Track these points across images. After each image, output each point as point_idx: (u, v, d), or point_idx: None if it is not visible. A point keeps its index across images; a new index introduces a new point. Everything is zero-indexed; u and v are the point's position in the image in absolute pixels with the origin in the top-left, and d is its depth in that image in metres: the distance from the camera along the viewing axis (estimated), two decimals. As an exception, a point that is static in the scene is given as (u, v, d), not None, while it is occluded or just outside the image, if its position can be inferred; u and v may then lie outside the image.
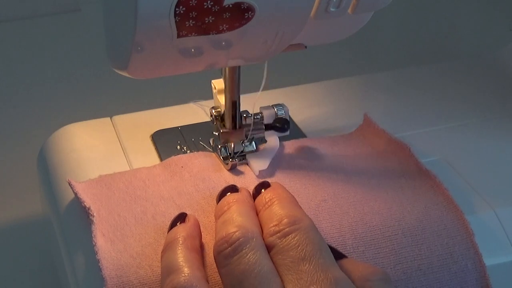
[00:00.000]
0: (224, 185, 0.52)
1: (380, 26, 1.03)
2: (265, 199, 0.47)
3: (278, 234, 0.44)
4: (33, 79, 0.93)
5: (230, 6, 0.43)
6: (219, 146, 0.55)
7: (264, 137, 0.56)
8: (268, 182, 0.49)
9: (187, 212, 0.49)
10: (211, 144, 0.58)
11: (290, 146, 0.57)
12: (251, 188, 0.52)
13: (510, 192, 0.55)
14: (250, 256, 0.42)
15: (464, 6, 1.07)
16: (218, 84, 0.55)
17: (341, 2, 0.47)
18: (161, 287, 0.44)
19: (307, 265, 0.42)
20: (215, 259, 0.44)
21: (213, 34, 0.44)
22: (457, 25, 1.04)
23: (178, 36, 0.44)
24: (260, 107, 0.56)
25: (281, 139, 0.56)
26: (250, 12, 0.44)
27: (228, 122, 0.54)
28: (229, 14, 0.43)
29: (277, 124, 0.55)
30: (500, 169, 0.57)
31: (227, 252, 0.43)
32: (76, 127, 0.62)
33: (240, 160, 0.54)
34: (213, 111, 0.55)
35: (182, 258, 0.44)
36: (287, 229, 0.44)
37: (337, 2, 0.47)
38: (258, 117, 0.56)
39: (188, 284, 0.42)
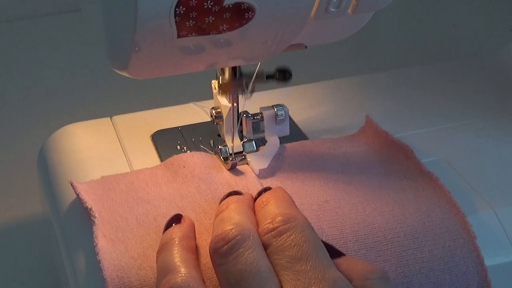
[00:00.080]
0: (225, 186, 0.52)
1: (380, 26, 1.03)
2: (262, 200, 0.47)
3: (273, 232, 0.43)
4: (33, 79, 0.93)
5: (230, 6, 0.43)
6: (219, 147, 0.55)
7: (264, 137, 0.56)
8: (270, 187, 0.49)
9: (189, 214, 0.49)
10: (211, 145, 0.58)
11: (291, 147, 0.57)
12: (252, 188, 0.52)
13: (510, 192, 0.54)
14: (247, 255, 0.42)
15: (464, 6, 1.07)
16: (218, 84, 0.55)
17: (341, 2, 0.47)
18: (157, 287, 0.43)
19: (304, 265, 0.41)
20: (211, 257, 0.43)
21: (213, 34, 0.44)
22: (457, 25, 1.04)
23: (178, 36, 0.44)
24: (260, 108, 0.56)
25: (282, 140, 0.56)
26: (250, 12, 0.44)
27: (227, 72, 0.54)
28: (229, 14, 0.43)
29: (278, 76, 0.54)
30: (500, 169, 0.57)
31: (224, 250, 0.42)
32: (76, 127, 0.62)
33: (240, 160, 0.54)
34: (213, 111, 0.55)
35: (178, 258, 0.44)
36: (281, 227, 0.43)
37: (337, 2, 0.47)
38: (258, 117, 0.56)
39: (185, 284, 0.42)
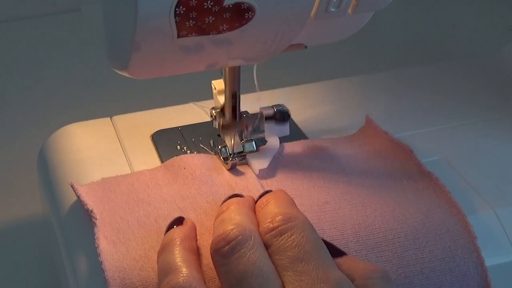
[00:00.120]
0: (226, 187, 0.52)
1: (380, 26, 1.03)
2: (263, 200, 0.47)
3: (273, 232, 0.43)
4: (33, 79, 0.93)
5: (230, 6, 0.43)
6: (219, 147, 0.55)
7: (264, 137, 0.56)
8: (271, 190, 0.49)
9: (190, 216, 0.49)
10: (211, 145, 0.58)
11: (291, 147, 0.57)
12: (252, 188, 0.52)
13: (510, 192, 0.54)
14: (249, 256, 0.42)
15: (464, 6, 1.07)
16: (218, 84, 0.55)
17: (341, 2, 0.47)
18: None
19: (306, 266, 0.41)
20: (212, 257, 0.43)
21: (213, 34, 0.44)
22: (457, 25, 1.04)
23: (178, 36, 0.44)
24: (260, 108, 0.56)
25: (282, 139, 0.56)
26: (250, 12, 0.44)
27: (228, 113, 0.54)
28: (229, 14, 0.43)
29: (277, 117, 0.55)
30: (500, 169, 0.57)
31: (225, 251, 0.42)
32: (76, 127, 0.62)
33: (240, 160, 0.54)
34: (213, 111, 0.55)
35: (180, 258, 0.44)
36: (282, 227, 0.43)
37: (337, 2, 0.47)
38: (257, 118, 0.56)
39: (187, 284, 0.41)
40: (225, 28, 0.44)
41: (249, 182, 0.52)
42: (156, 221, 0.49)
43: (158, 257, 0.45)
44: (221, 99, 0.55)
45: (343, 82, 0.70)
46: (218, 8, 0.43)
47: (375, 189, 0.53)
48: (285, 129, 0.57)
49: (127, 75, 0.48)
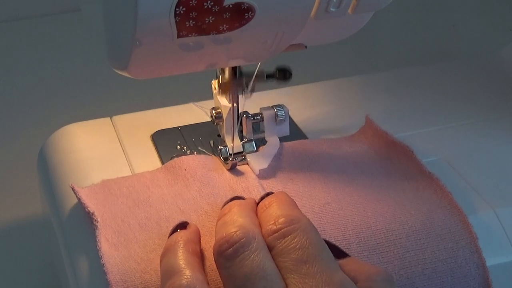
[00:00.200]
0: (227, 189, 0.52)
1: (380, 26, 1.03)
2: (265, 203, 0.47)
3: (276, 234, 0.43)
4: (33, 79, 0.93)
5: (230, 6, 0.43)
6: (219, 147, 0.55)
7: (264, 137, 0.56)
8: (272, 192, 0.49)
9: (191, 217, 0.49)
10: (211, 145, 0.58)
11: (291, 147, 0.57)
12: (252, 189, 0.52)
13: (510, 192, 0.54)
14: (253, 258, 0.42)
15: (464, 6, 1.07)
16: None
17: (341, 2, 0.47)
18: None
19: (310, 268, 0.41)
20: (215, 260, 0.43)
21: (213, 34, 0.44)
22: (457, 25, 1.04)
23: (178, 36, 0.44)
24: (260, 108, 0.56)
25: (282, 139, 0.56)
26: (250, 12, 0.44)
27: (227, 71, 0.53)
28: (229, 14, 0.43)
29: (278, 76, 0.54)
30: (500, 169, 0.57)
31: (229, 253, 0.42)
32: (76, 127, 0.62)
33: (240, 160, 0.54)
34: (213, 111, 0.55)
35: (183, 260, 0.43)
36: (285, 229, 0.43)
37: (337, 2, 0.47)
38: (258, 117, 0.56)
39: (190, 286, 0.41)
40: (225, 28, 0.44)
41: (249, 183, 0.52)
42: (157, 223, 0.49)
43: (161, 260, 0.45)
44: (221, 99, 0.55)
45: (343, 82, 0.70)
46: (218, 8, 0.43)
47: (375, 189, 0.53)
48: (285, 129, 0.57)
49: (127, 75, 0.48)
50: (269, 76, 0.54)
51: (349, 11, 0.48)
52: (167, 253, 0.45)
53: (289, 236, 0.43)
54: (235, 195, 0.50)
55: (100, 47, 0.52)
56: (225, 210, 0.47)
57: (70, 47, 0.99)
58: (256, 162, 0.54)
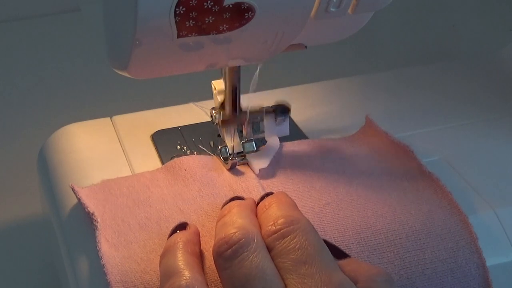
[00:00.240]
0: (227, 189, 0.52)
1: (380, 26, 1.03)
2: (265, 203, 0.47)
3: (276, 235, 0.43)
4: (33, 79, 0.93)
5: (230, 6, 0.43)
6: (219, 147, 0.55)
7: (264, 137, 0.56)
8: (272, 192, 0.49)
9: (191, 217, 0.49)
10: (211, 145, 0.58)
11: (291, 147, 0.57)
12: (252, 189, 0.52)
13: (510, 192, 0.54)
14: (252, 259, 0.42)
15: (464, 6, 1.07)
16: (218, 85, 0.55)
17: (341, 2, 0.47)
18: None
19: (309, 269, 0.41)
20: (214, 261, 0.43)
21: (213, 34, 0.44)
22: (457, 25, 1.03)
23: (178, 36, 0.44)
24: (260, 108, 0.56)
25: (282, 139, 0.56)
26: (250, 12, 0.44)
27: (228, 108, 0.54)
28: (229, 14, 0.43)
29: (276, 110, 0.55)
30: (500, 169, 0.57)
31: (228, 254, 0.42)
32: (76, 127, 0.62)
33: (240, 160, 0.54)
34: (213, 111, 0.55)
35: (182, 261, 0.43)
36: (285, 229, 0.43)
37: (337, 2, 0.47)
38: (258, 117, 0.56)
39: (189, 287, 0.41)
40: (225, 28, 0.44)
41: (249, 183, 0.52)
42: (157, 223, 0.49)
43: (160, 261, 0.45)
44: (221, 99, 0.55)
45: (343, 82, 0.70)
46: (218, 8, 0.43)
47: (375, 189, 0.53)
48: (285, 129, 0.57)
49: (127, 75, 0.48)
50: (269, 112, 0.55)
51: (349, 11, 0.48)
52: (166, 254, 0.45)
53: (289, 237, 0.43)
54: (235, 195, 0.50)
55: (100, 47, 0.52)
56: (225, 211, 0.47)
57: (70, 47, 0.99)
58: (256, 162, 0.54)
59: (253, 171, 0.54)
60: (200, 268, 0.45)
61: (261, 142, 0.56)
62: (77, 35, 1.01)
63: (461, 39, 1.00)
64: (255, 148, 0.55)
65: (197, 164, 0.54)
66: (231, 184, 0.52)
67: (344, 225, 0.49)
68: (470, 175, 0.56)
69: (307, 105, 0.65)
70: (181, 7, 0.42)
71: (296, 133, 0.60)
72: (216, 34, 0.44)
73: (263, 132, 0.56)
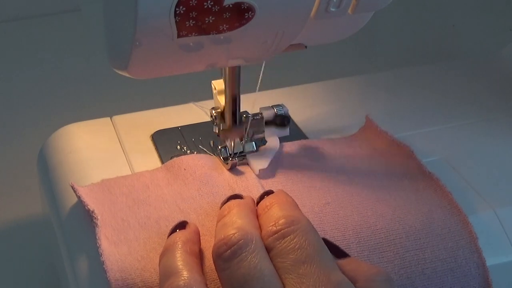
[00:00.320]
0: (227, 188, 0.52)
1: (380, 26, 1.03)
2: (266, 203, 0.47)
3: (276, 235, 0.43)
4: (33, 79, 0.93)
5: (230, 6, 0.43)
6: (219, 147, 0.55)
7: (264, 137, 0.56)
8: (272, 190, 0.49)
9: (191, 217, 0.49)
10: (211, 145, 0.58)
11: (291, 147, 0.57)
12: (252, 188, 0.52)
13: (510, 192, 0.54)
14: (250, 259, 0.42)
15: (465, 6, 1.07)
16: (218, 84, 0.55)
17: (341, 2, 0.47)
18: None
19: (308, 268, 0.41)
20: (214, 262, 0.43)
21: (213, 34, 0.44)
22: (457, 25, 1.03)
23: (178, 36, 0.44)
24: (260, 108, 0.56)
25: (282, 139, 0.56)
26: (250, 12, 0.44)
27: (228, 119, 0.54)
28: (229, 14, 0.43)
29: (277, 122, 0.55)
30: (500, 169, 0.57)
31: (227, 255, 0.42)
32: (76, 127, 0.62)
33: (240, 160, 0.54)
34: (213, 111, 0.55)
35: (181, 261, 0.43)
36: (285, 230, 0.43)
37: (337, 2, 0.47)
38: (257, 117, 0.56)
39: (187, 287, 0.41)
40: (225, 28, 0.44)
41: (249, 182, 0.52)
42: (157, 222, 0.49)
43: (160, 260, 0.45)
44: (221, 100, 0.55)
45: (343, 82, 0.70)
46: (218, 8, 0.43)
47: (375, 189, 0.53)
48: (285, 129, 0.57)
49: (127, 75, 0.48)
50: (268, 123, 0.55)
51: (349, 11, 0.48)
52: (166, 253, 0.45)
53: (289, 237, 0.43)
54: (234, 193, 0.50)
55: (100, 47, 0.52)
56: (225, 211, 0.47)
57: (70, 47, 0.99)
58: (256, 162, 0.54)
59: (253, 171, 0.54)
60: (199, 267, 0.45)
61: (261, 142, 0.56)
62: (77, 35, 1.01)
63: (461, 39, 1.00)
64: (255, 148, 0.55)
65: (196, 163, 0.54)
66: (231, 183, 0.52)
67: (344, 225, 0.49)
68: (470, 175, 0.56)
69: (307, 105, 0.65)
70: (181, 7, 0.42)
71: (296, 133, 0.60)
72: (216, 34, 0.44)
73: (263, 132, 0.56)
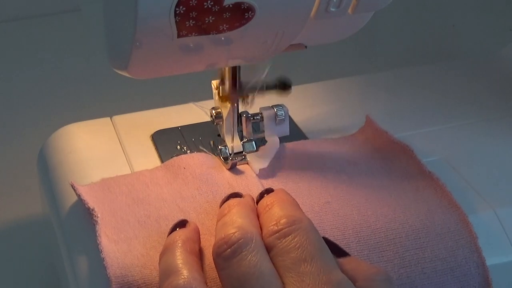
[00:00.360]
0: (226, 187, 0.52)
1: (380, 26, 1.03)
2: (266, 202, 0.47)
3: (277, 234, 0.43)
4: (33, 79, 0.93)
5: (230, 6, 0.43)
6: (219, 147, 0.55)
7: (264, 137, 0.56)
8: (272, 188, 0.49)
9: (191, 215, 0.49)
10: (211, 145, 0.58)
11: (291, 147, 0.57)
12: (252, 188, 0.52)
13: (510, 192, 0.54)
14: (250, 258, 0.42)
15: (465, 6, 1.07)
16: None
17: (341, 2, 0.47)
18: None
19: (308, 267, 0.41)
20: (214, 261, 0.43)
21: (213, 34, 0.44)
22: (457, 25, 1.04)
23: (178, 36, 0.44)
24: (260, 108, 0.56)
25: (282, 139, 0.56)
26: (250, 12, 0.44)
27: (228, 82, 0.54)
28: (229, 14, 0.43)
29: (278, 84, 0.55)
30: (500, 169, 0.57)
31: (227, 254, 0.42)
32: (76, 127, 0.62)
33: (240, 160, 0.54)
34: (213, 111, 0.55)
35: (181, 260, 0.44)
36: (286, 229, 0.43)
37: (337, 2, 0.47)
38: (258, 117, 0.56)
39: (187, 286, 0.41)
40: (225, 28, 0.44)
41: (249, 182, 0.52)
42: (156, 221, 0.49)
43: (160, 259, 0.45)
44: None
45: (343, 82, 0.70)
46: (218, 8, 0.43)
47: (375, 189, 0.53)
48: (285, 129, 0.57)
49: (127, 75, 0.48)
50: (269, 87, 0.54)
51: (349, 11, 0.48)
52: (166, 252, 0.45)
53: (290, 236, 0.43)
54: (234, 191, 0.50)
55: (100, 47, 0.52)
56: (225, 210, 0.47)
57: (70, 47, 0.99)
58: (256, 161, 0.54)
59: (253, 171, 0.54)
60: (199, 266, 0.45)
61: (261, 142, 0.56)
62: (77, 35, 1.01)
63: (461, 39, 1.00)
64: (255, 148, 0.55)
65: (196, 162, 0.54)
66: (231, 182, 0.52)
67: (344, 224, 0.49)
68: (470, 175, 0.56)
69: (307, 105, 0.65)
70: (181, 7, 0.42)
71: (296, 133, 0.60)
72: (216, 34, 0.44)
73: (263, 132, 0.56)
